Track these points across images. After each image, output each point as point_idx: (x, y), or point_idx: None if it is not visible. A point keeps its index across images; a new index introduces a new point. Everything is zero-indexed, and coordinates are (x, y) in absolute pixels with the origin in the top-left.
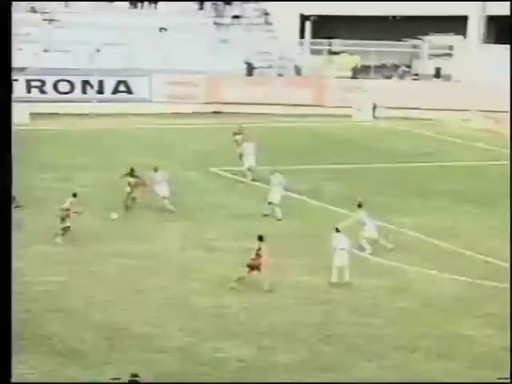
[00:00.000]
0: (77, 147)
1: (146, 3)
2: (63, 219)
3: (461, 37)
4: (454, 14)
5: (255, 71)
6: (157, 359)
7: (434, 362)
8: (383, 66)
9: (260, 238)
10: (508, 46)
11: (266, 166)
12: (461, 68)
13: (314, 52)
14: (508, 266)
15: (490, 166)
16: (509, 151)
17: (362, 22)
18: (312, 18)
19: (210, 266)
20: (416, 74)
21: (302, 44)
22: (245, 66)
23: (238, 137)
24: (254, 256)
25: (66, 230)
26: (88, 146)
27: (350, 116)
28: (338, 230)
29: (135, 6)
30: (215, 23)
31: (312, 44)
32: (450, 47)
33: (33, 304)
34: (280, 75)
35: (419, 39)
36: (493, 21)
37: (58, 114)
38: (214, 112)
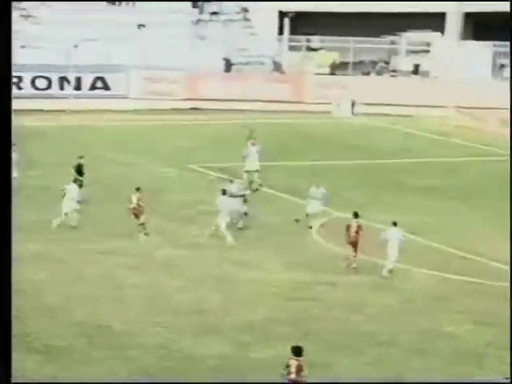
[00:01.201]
0: (54, 144)
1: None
2: (136, 216)
3: (439, 33)
4: (432, 11)
5: (234, 68)
6: (136, 356)
7: (412, 357)
8: (361, 63)
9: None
10: (485, 43)
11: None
12: (439, 64)
13: (293, 48)
14: (485, 260)
15: (468, 162)
16: (486, 147)
17: (340, 18)
18: (290, 15)
19: (189, 262)
20: (394, 71)
21: (280, 40)
22: (223, 62)
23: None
24: None
25: (142, 226)
26: (65, 142)
27: (328, 112)
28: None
29: (113, 3)
30: (193, 20)
31: (290, 40)
32: (428, 44)
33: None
34: (260, 71)
35: (397, 36)
36: (470, 17)
37: (35, 110)
38: (193, 108)
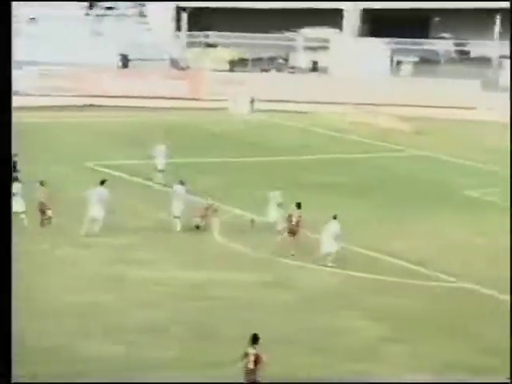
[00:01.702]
0: None
1: None
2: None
3: (336, 30)
4: (330, 8)
5: (130, 64)
6: (22, 360)
7: (309, 355)
8: (260, 59)
9: None
10: (383, 40)
11: (140, 159)
12: (337, 61)
13: (191, 45)
14: (384, 256)
15: (365, 158)
16: (382, 143)
17: (239, 15)
18: (188, 10)
19: (82, 262)
20: (293, 67)
21: (178, 36)
22: (119, 58)
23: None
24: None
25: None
26: None
27: (226, 109)
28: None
29: None
30: (88, 14)
31: (188, 36)
32: (326, 40)
33: None
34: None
35: (295, 32)
36: (368, 14)
37: None
38: (88, 105)
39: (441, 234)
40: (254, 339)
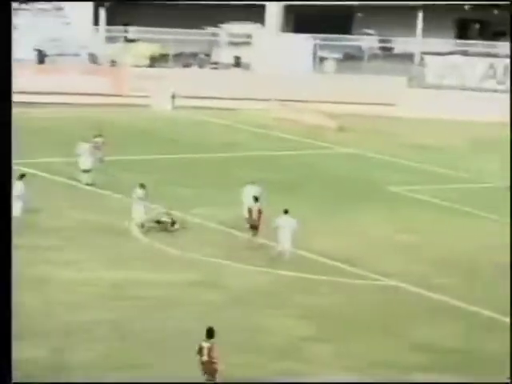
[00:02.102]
0: None
1: None
2: None
3: (259, 25)
4: (252, 3)
5: (47, 59)
6: None
7: (235, 354)
8: (182, 55)
9: None
10: (306, 36)
11: (54, 157)
12: (260, 57)
13: (110, 40)
14: (312, 255)
15: (291, 155)
16: (307, 140)
17: (160, 9)
18: (107, 4)
19: None
20: (215, 63)
21: (96, 31)
22: (35, 53)
23: (98, 139)
24: None
25: None
26: None
27: (148, 106)
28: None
29: None
30: None
31: (107, 31)
32: (249, 36)
33: None
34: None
35: (218, 27)
36: (291, 10)
37: None
38: None
39: (367, 231)
40: (210, 333)
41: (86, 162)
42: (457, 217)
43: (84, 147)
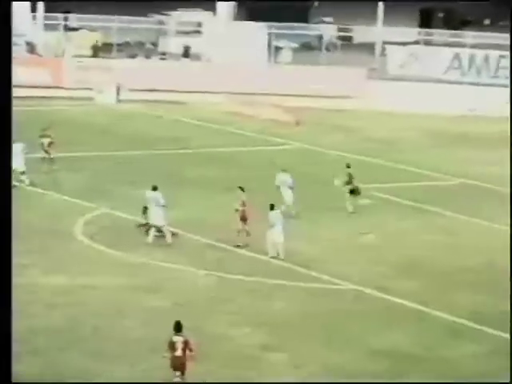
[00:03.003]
0: None
1: None
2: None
3: (210, 13)
4: None
5: None
6: None
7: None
8: (127, 44)
9: None
10: (260, 24)
11: None
12: (211, 46)
13: (49, 28)
14: (257, 256)
15: (243, 152)
16: (260, 136)
17: None
18: None
19: None
20: (163, 53)
21: (34, 19)
22: None
23: (45, 140)
24: None
25: None
26: None
27: (91, 99)
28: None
29: None
30: None
31: (46, 19)
32: (199, 24)
33: None
34: None
35: (166, 15)
36: None
37: None
38: None
39: (324, 232)
40: (178, 327)
41: (19, 162)
42: (420, 216)
43: (16, 147)
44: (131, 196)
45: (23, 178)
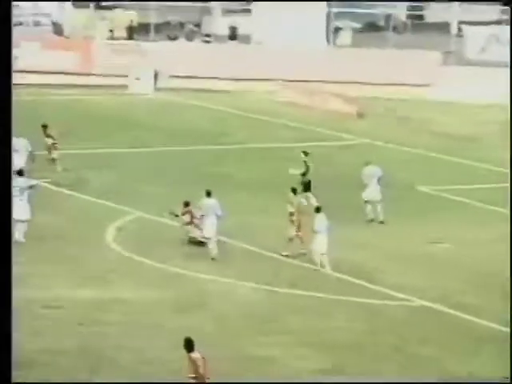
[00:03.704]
0: None
1: None
2: None
3: None
4: None
5: None
6: None
7: None
8: (167, 25)
9: None
10: (318, 2)
11: None
12: (262, 28)
13: (78, 6)
14: (309, 266)
15: (298, 148)
16: (320, 129)
17: None
18: None
19: None
20: (207, 35)
21: None
22: None
23: (49, 140)
24: None
25: None
26: None
27: (125, 87)
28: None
29: None
30: None
31: None
32: (248, 2)
33: None
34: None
35: None
36: None
37: None
38: None
39: (389, 240)
40: (190, 346)
41: (20, 160)
42: (498, 223)
43: (20, 143)
44: (169, 198)
45: (20, 180)
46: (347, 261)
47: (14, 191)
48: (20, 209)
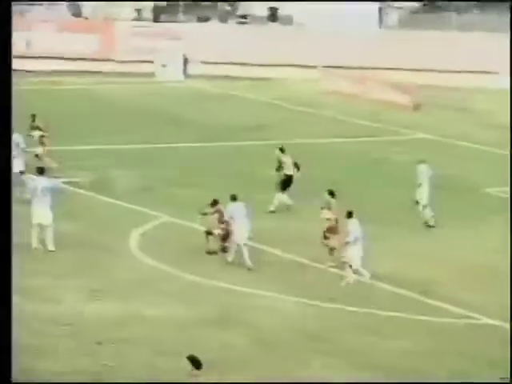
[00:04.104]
0: None
1: None
2: None
3: None
4: None
5: (13, 10)
6: None
7: None
8: (197, 5)
9: None
10: None
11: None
12: (304, 8)
13: None
14: (370, 281)
15: (347, 143)
16: (371, 123)
17: None
18: None
19: None
20: (243, 16)
21: None
22: None
23: (36, 133)
24: None
25: None
26: None
27: (151, 74)
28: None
29: None
30: None
31: None
32: None
33: None
34: None
35: None
36: None
37: None
38: None
39: (452, 248)
40: (198, 364)
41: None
42: None
43: (20, 139)
44: (200, 201)
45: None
46: (399, 271)
47: (33, 192)
48: (41, 212)
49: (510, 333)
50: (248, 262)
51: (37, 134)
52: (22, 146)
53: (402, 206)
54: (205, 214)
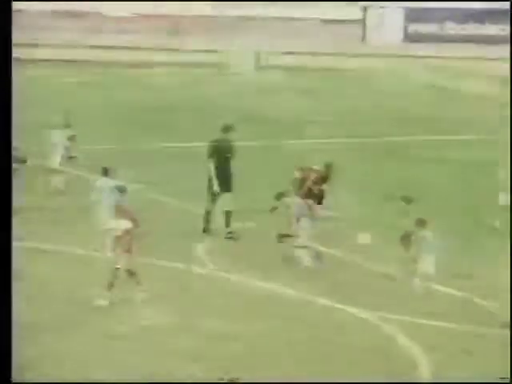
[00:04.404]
0: None
1: None
2: None
3: None
4: None
5: None
6: None
7: None
8: None
9: None
10: None
11: None
12: None
13: None
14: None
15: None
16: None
17: None
18: None
19: None
20: None
21: None
22: None
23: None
24: None
25: None
26: None
27: (218, 65)
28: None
29: None
30: None
31: None
32: None
33: None
34: None
35: None
36: None
37: None
38: None
39: None
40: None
41: (56, 157)
42: None
43: (58, 136)
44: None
45: (56, 179)
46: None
47: (99, 193)
48: (106, 216)
49: (510, 333)
50: (306, 261)
51: (68, 132)
52: (65, 144)
53: None
54: (275, 207)
